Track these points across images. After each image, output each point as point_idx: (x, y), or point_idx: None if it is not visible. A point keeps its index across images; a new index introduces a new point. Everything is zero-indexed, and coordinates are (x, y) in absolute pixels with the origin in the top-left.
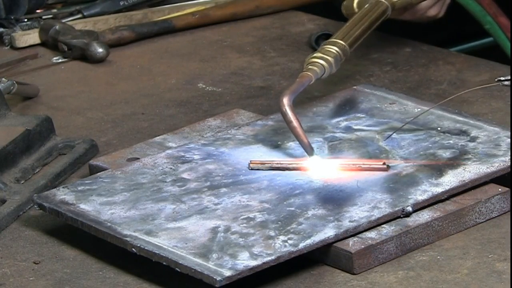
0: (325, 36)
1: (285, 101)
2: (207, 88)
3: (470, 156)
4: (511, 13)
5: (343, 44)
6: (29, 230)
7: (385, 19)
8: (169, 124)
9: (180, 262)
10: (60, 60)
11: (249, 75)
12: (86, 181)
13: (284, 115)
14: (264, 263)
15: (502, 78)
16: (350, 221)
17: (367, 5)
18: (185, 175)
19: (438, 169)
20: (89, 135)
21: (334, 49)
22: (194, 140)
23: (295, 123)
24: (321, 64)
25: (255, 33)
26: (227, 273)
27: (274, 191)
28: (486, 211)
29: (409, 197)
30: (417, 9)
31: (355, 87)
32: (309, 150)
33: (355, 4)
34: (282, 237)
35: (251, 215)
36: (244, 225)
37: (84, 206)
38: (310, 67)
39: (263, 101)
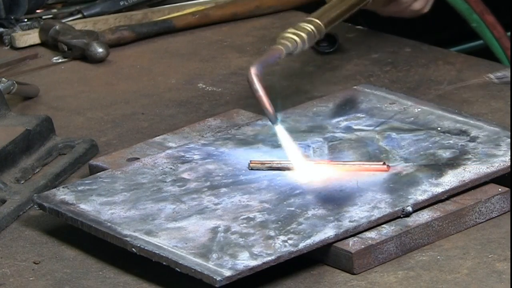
0: (325, 36)
1: (253, 70)
2: (207, 88)
3: (470, 156)
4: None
5: (318, 23)
6: (29, 230)
7: (365, 5)
8: (169, 124)
9: (180, 262)
10: (60, 60)
11: None
12: (86, 181)
13: (251, 83)
14: (264, 263)
15: (491, 76)
16: (350, 221)
17: None
18: (185, 175)
19: (438, 169)
20: (89, 135)
21: (309, 26)
22: (194, 140)
23: (260, 92)
24: (294, 39)
25: (255, 33)
26: (227, 273)
27: (274, 191)
28: (486, 211)
29: (409, 197)
30: (401, 1)
31: (355, 87)
32: (273, 119)
33: None
34: (282, 237)
35: (251, 215)
36: (244, 225)
37: (84, 206)
38: (282, 41)
39: None
